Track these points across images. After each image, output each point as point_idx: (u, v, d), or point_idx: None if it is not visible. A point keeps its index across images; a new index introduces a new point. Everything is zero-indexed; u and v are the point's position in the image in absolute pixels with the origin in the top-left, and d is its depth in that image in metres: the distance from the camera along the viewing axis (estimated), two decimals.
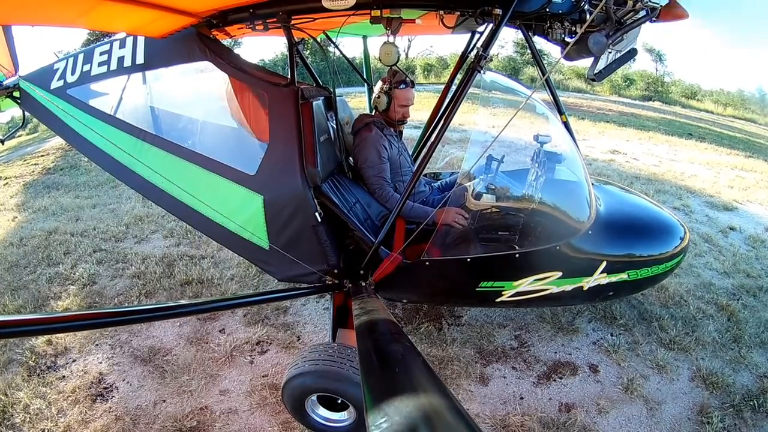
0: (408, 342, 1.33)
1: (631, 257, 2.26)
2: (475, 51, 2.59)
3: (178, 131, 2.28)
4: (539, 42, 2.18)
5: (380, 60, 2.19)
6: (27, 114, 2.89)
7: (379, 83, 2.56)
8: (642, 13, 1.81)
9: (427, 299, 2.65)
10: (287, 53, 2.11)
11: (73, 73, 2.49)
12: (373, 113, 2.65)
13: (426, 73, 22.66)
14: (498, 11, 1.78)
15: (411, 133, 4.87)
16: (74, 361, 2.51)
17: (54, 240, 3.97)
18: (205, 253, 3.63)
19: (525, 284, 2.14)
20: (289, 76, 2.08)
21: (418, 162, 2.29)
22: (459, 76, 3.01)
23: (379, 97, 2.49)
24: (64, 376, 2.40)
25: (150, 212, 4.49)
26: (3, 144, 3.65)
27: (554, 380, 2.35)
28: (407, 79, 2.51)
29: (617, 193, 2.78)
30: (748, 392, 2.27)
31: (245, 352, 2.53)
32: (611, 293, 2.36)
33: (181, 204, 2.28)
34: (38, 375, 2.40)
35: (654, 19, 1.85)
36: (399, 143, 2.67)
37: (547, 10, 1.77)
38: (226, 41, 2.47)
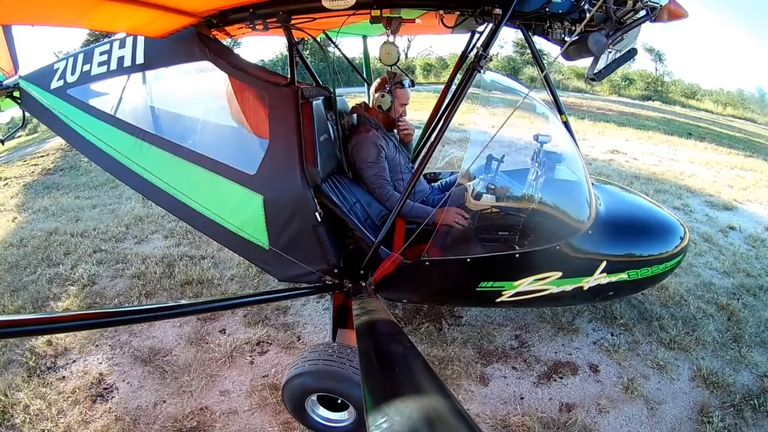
0: (408, 342, 1.33)
1: (631, 257, 2.26)
2: (474, 51, 2.59)
3: (178, 131, 2.28)
4: (539, 42, 2.18)
5: (380, 60, 2.18)
6: (27, 114, 2.89)
7: (377, 83, 2.57)
8: (642, 12, 1.81)
9: (427, 299, 2.65)
10: (287, 53, 2.11)
11: (73, 73, 2.48)
12: (366, 110, 2.65)
13: (425, 73, 22.66)
14: (498, 11, 1.78)
15: None
16: (74, 361, 2.51)
17: (54, 240, 3.97)
18: (206, 254, 3.63)
19: (525, 284, 2.14)
20: (289, 76, 2.08)
21: (418, 162, 2.29)
22: (459, 76, 3.01)
23: (383, 96, 2.49)
24: (64, 377, 2.40)
25: (150, 212, 4.48)
26: (3, 144, 3.64)
27: (554, 380, 2.35)
28: (407, 79, 2.56)
29: (617, 193, 2.78)
30: (748, 392, 2.27)
31: (245, 352, 2.53)
32: (611, 293, 2.36)
33: (180, 204, 2.28)
34: (38, 375, 2.40)
35: (654, 18, 1.85)
36: (396, 143, 2.68)
37: (547, 9, 1.77)
38: (226, 41, 2.47)
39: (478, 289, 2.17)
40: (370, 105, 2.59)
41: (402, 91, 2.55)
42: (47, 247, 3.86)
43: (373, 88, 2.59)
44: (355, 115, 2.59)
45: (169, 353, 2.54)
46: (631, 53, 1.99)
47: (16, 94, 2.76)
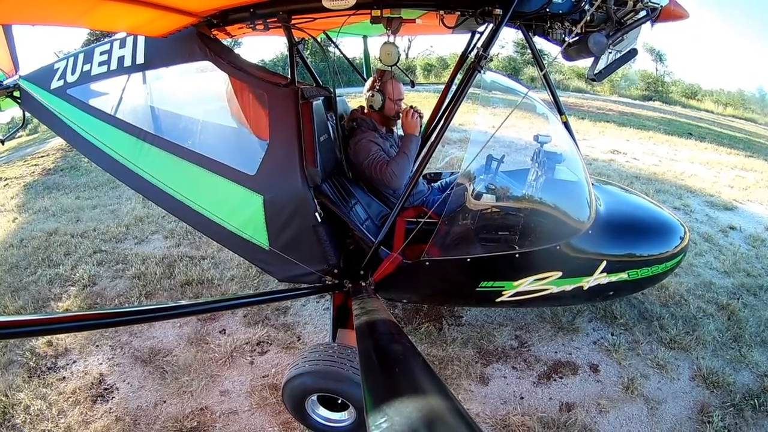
0: (408, 342, 1.33)
1: (632, 257, 2.26)
2: (475, 51, 2.58)
3: (179, 131, 2.28)
4: (539, 42, 2.18)
5: (380, 60, 2.19)
6: (27, 114, 2.89)
7: (368, 83, 2.54)
8: (642, 13, 1.81)
9: (427, 299, 2.65)
10: (287, 53, 2.11)
11: (73, 73, 2.48)
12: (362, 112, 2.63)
13: (426, 73, 22.65)
14: (498, 11, 1.78)
15: None
16: (75, 362, 2.51)
17: (54, 241, 3.97)
18: (206, 254, 3.63)
19: (525, 284, 2.14)
20: (289, 76, 2.08)
21: (418, 162, 2.29)
22: (459, 76, 3.01)
23: (373, 96, 2.47)
24: (64, 377, 2.40)
25: (150, 213, 4.49)
26: (3, 144, 3.65)
27: (554, 380, 2.35)
28: (394, 74, 2.51)
29: (617, 193, 2.78)
30: (748, 391, 2.27)
31: (245, 352, 2.53)
32: (611, 293, 2.36)
33: (180, 204, 2.28)
34: (39, 376, 2.40)
35: (654, 19, 1.85)
36: (394, 141, 2.67)
37: (548, 10, 1.77)
38: (227, 41, 2.47)
39: (478, 289, 2.17)
40: (365, 106, 2.57)
41: (392, 87, 2.46)
42: (47, 247, 3.86)
43: (364, 89, 2.57)
44: (354, 119, 2.59)
45: (169, 353, 2.54)
46: (632, 53, 1.99)
47: (17, 94, 2.76)
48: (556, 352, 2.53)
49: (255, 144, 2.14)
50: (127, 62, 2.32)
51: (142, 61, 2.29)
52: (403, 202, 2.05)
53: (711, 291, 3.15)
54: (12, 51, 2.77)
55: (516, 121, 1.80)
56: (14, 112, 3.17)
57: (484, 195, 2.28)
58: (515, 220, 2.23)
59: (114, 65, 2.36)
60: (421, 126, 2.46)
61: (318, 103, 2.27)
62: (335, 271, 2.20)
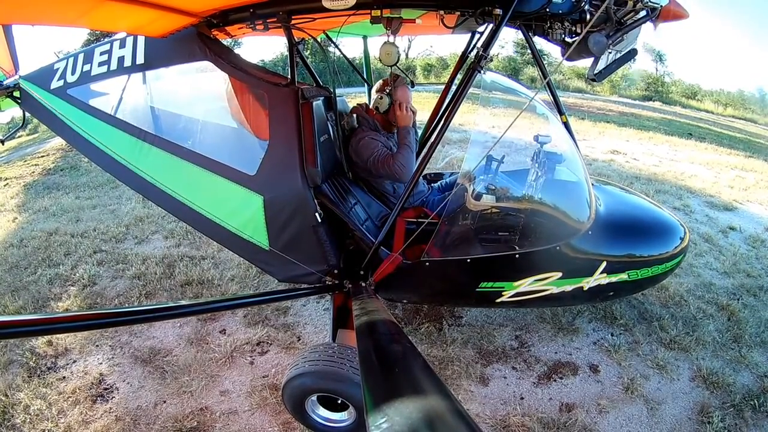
0: (408, 342, 1.33)
1: (632, 257, 2.26)
2: (475, 51, 2.58)
3: (179, 131, 2.28)
4: (539, 42, 2.18)
5: (380, 60, 2.18)
6: (27, 114, 2.89)
7: (378, 84, 2.55)
8: (642, 13, 1.81)
9: (428, 299, 2.65)
10: (287, 53, 2.11)
11: (73, 73, 2.49)
12: (366, 111, 2.63)
13: (426, 73, 22.66)
14: (498, 11, 1.78)
15: None
16: (74, 361, 2.51)
17: (54, 241, 3.97)
18: (206, 254, 3.63)
19: (525, 284, 2.14)
20: (289, 77, 2.08)
21: (418, 162, 2.29)
22: (459, 77, 3.01)
23: (381, 98, 2.48)
24: (64, 377, 2.40)
25: (150, 213, 4.48)
26: (3, 144, 3.65)
27: (555, 380, 2.35)
28: (407, 81, 2.53)
29: (617, 194, 2.78)
30: (748, 392, 2.27)
31: (245, 352, 2.53)
32: (611, 293, 2.36)
33: (181, 204, 2.28)
34: (39, 376, 2.40)
35: (654, 19, 1.85)
36: (395, 142, 2.66)
37: (548, 10, 1.77)
38: (227, 41, 2.47)
39: (478, 289, 2.17)
40: (370, 106, 2.58)
41: (402, 93, 2.48)
42: (47, 247, 3.86)
43: (374, 89, 2.58)
44: (354, 116, 2.58)
45: (169, 353, 2.54)
46: (632, 54, 1.99)
47: (17, 93, 2.76)
48: (556, 353, 2.53)
49: (255, 144, 2.14)
50: (127, 62, 2.32)
51: (142, 62, 2.29)
52: (403, 202, 2.05)
53: (711, 292, 3.15)
54: (12, 51, 2.77)
55: (516, 121, 1.80)
56: (14, 112, 3.17)
57: (484, 195, 2.28)
58: (515, 221, 2.23)
59: (114, 65, 2.36)
60: (414, 119, 2.47)
61: (318, 103, 2.27)
62: (335, 271, 2.20)
